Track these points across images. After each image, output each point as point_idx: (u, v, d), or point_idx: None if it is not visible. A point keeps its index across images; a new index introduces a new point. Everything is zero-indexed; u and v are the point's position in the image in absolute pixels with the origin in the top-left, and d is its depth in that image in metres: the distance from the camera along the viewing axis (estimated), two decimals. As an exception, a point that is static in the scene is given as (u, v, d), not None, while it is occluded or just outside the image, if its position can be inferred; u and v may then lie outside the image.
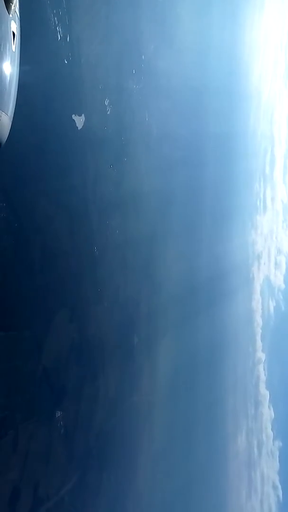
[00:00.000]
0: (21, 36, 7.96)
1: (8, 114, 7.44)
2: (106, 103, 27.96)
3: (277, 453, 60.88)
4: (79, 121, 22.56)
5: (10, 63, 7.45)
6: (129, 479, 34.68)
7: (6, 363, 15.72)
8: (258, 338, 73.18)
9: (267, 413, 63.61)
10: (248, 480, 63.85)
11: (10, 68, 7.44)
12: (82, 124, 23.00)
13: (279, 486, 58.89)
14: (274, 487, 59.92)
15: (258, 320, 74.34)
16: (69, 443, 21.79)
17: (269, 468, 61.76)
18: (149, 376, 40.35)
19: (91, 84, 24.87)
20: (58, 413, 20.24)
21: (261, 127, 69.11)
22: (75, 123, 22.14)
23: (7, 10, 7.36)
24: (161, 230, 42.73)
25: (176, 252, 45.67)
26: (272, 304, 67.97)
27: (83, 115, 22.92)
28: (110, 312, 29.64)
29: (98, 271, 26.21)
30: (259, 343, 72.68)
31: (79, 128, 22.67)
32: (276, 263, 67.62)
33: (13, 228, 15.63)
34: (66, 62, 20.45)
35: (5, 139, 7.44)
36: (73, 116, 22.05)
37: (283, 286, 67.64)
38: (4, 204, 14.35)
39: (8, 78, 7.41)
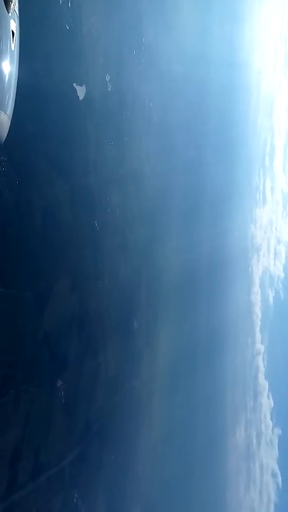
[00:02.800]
0: (20, 35, 7.97)
1: (7, 113, 7.44)
2: (107, 79, 27.77)
3: (276, 441, 60.89)
4: (80, 91, 22.37)
5: (9, 62, 7.48)
6: (129, 461, 34.51)
7: (7, 321, 15.52)
8: (257, 330, 73.23)
9: (266, 403, 63.65)
10: (247, 472, 63.83)
11: (9, 67, 7.46)
12: (83, 95, 22.80)
13: (279, 473, 58.90)
14: (274, 475, 59.94)
15: (257, 312, 74.42)
16: (70, 415, 21.61)
17: (268, 457, 61.75)
18: (149, 364, 40.22)
19: (92, 56, 24.68)
20: (59, 382, 20.05)
21: (261, 118, 69.12)
22: (77, 92, 21.93)
23: (6, 9, 7.35)
24: (160, 219, 42.56)
25: (175, 244, 45.52)
26: (271, 294, 68.00)
27: (84, 85, 22.72)
28: (110, 292, 29.44)
29: (98, 247, 26.04)
30: (258, 335, 72.73)
31: (80, 98, 22.46)
32: (275, 253, 67.64)
33: (14, 185, 15.42)
34: (67, 27, 20.25)
35: (4, 138, 7.47)
36: (75, 85, 21.83)
37: (282, 275, 67.62)
38: (5, 159, 14.12)
39: (7, 77, 7.43)
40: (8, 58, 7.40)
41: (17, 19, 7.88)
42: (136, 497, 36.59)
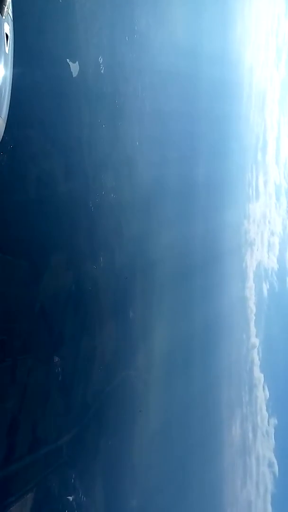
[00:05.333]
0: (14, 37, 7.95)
1: (2, 117, 7.53)
2: (100, 61, 27.60)
3: (272, 431, 60.92)
4: (73, 67, 22.17)
5: (3, 65, 7.50)
6: (125, 450, 34.24)
7: (3, 286, 15.24)
8: (252, 324, 73.32)
9: (262, 395, 63.64)
10: (243, 467, 63.71)
11: (3, 71, 7.48)
12: (77, 73, 22.60)
13: (275, 462, 58.91)
14: (270, 465, 59.89)
15: (252, 307, 74.56)
16: (67, 393, 21.33)
17: (265, 448, 61.70)
18: (144, 355, 40.05)
19: (84, 35, 24.51)
20: (56, 359, 19.78)
21: (253, 113, 69.39)
22: (70, 68, 21.73)
23: (0, 12, 7.34)
24: (153, 212, 42.36)
25: (168, 238, 45.34)
26: (266, 287, 68.13)
27: (77, 62, 22.54)
28: (106, 276, 29.20)
29: (93, 227, 25.81)
30: (253, 329, 72.79)
31: (73, 76, 22.26)
32: (269, 245, 67.83)
33: (8, 149, 15.18)
34: (60, 0, 20.06)
35: None
36: (68, 61, 21.64)
37: (276, 267, 67.86)
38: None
39: (1, 81, 7.44)
40: (2, 61, 7.41)
41: (10, 22, 7.89)
42: (133, 488, 36.25)
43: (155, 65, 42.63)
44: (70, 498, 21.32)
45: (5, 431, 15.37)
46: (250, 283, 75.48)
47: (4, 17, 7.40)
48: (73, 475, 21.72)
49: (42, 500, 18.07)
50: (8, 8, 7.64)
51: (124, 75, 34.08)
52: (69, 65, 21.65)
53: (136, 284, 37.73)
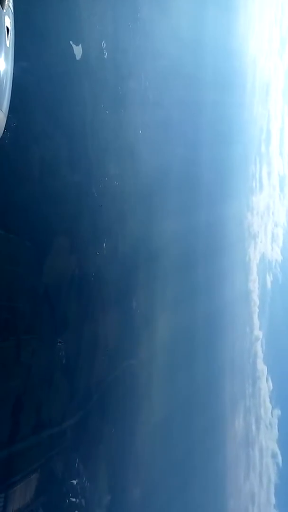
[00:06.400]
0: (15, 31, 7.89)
1: (3, 111, 7.51)
2: (103, 46, 27.38)
3: (276, 422, 60.94)
4: (77, 50, 21.97)
5: (4, 58, 7.47)
6: (128, 440, 34.22)
7: (6, 265, 15.13)
8: (255, 317, 73.21)
9: (265, 386, 63.66)
10: (246, 458, 63.77)
11: (4, 64, 7.45)
12: (80, 56, 22.41)
13: (279, 453, 58.95)
14: (273, 456, 59.94)
15: (255, 299, 74.45)
16: (71, 377, 21.27)
17: (268, 439, 61.73)
18: (147, 346, 39.96)
19: (88, 19, 24.30)
20: (60, 342, 19.70)
21: (256, 104, 68.88)
22: (73, 50, 21.54)
23: (1, 5, 7.38)
24: (156, 203, 42.10)
25: (171, 230, 45.11)
26: (269, 279, 67.94)
27: (80, 45, 22.33)
28: (109, 263, 29.07)
29: (96, 213, 25.66)
30: (256, 322, 72.70)
31: (77, 58, 22.08)
32: (273, 237, 67.61)
33: (11, 127, 15.04)
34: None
35: (0, 135, 7.41)
36: (71, 43, 21.45)
37: (280, 258, 67.65)
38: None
39: (2, 75, 7.39)
40: (3, 54, 7.37)
41: (11, 15, 7.86)
42: (136, 477, 36.29)
43: (157, 54, 42.33)
44: (74, 482, 21.34)
45: (10, 411, 15.33)
46: (254, 276, 75.36)
47: (4, 10, 7.42)
48: (77, 459, 21.72)
49: (46, 481, 18.08)
50: (9, 1, 7.65)
51: (127, 62, 33.85)
52: (72, 47, 21.44)
53: (139, 274, 37.63)
